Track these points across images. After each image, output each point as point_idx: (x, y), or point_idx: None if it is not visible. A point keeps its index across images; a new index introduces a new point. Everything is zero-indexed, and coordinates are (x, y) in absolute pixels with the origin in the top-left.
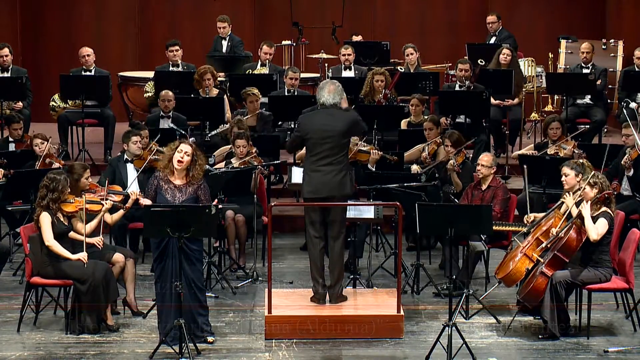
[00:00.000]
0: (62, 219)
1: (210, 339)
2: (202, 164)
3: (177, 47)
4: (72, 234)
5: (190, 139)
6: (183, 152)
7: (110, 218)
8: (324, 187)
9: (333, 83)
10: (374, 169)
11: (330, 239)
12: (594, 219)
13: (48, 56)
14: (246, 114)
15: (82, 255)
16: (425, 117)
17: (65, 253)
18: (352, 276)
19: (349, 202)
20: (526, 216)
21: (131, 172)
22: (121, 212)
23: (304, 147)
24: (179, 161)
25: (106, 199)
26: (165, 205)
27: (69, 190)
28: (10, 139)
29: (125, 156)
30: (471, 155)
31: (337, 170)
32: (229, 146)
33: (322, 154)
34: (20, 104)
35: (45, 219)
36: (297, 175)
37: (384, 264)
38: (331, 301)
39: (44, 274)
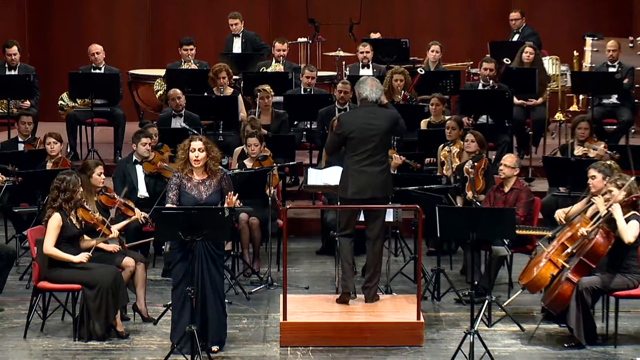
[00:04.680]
0: (74, 222)
1: (214, 347)
2: (217, 155)
3: (191, 47)
4: (85, 244)
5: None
6: (196, 149)
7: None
8: (369, 187)
9: (373, 79)
10: (394, 172)
11: (370, 240)
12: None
13: (56, 54)
14: (259, 112)
15: (84, 256)
16: (446, 117)
17: (66, 256)
18: None
19: (367, 205)
20: (558, 211)
21: (140, 174)
22: (121, 225)
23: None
24: (195, 160)
25: (116, 210)
26: (177, 208)
27: (81, 189)
28: (20, 139)
29: (134, 157)
30: (494, 157)
31: (380, 170)
32: (242, 147)
33: (366, 154)
34: (27, 102)
35: (54, 221)
36: (313, 176)
37: (403, 269)
38: (367, 300)
39: (51, 278)
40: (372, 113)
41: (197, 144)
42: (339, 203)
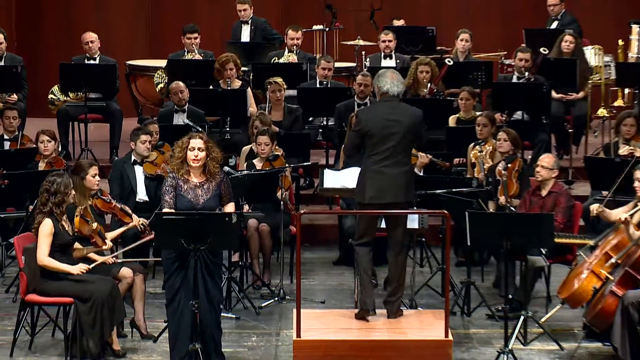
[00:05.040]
0: (67, 228)
1: None
2: (217, 156)
3: (196, 35)
4: (78, 252)
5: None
6: (196, 148)
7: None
8: (388, 191)
9: (393, 71)
10: (421, 174)
11: (392, 249)
12: None
13: (46, 42)
14: (269, 107)
15: (83, 267)
16: (477, 112)
17: (63, 267)
18: None
19: (389, 211)
20: (594, 207)
21: (140, 176)
22: (116, 233)
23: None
24: (194, 160)
25: (114, 214)
26: (178, 213)
27: (73, 192)
28: (5, 137)
29: (133, 157)
30: (530, 157)
31: (402, 172)
32: (250, 145)
33: (386, 153)
34: (14, 96)
35: (46, 227)
36: (329, 178)
37: (429, 281)
38: (389, 316)
39: (40, 291)
40: (393, 108)
41: (197, 142)
42: (357, 208)
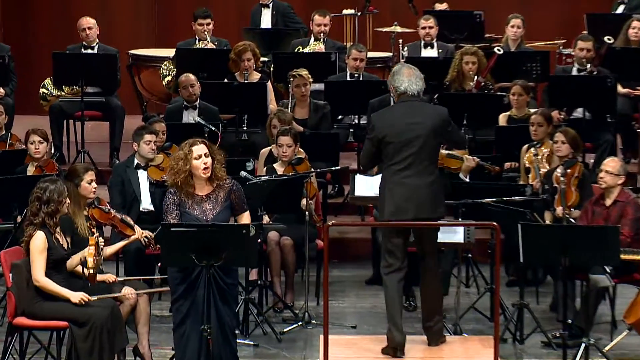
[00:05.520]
0: (61, 241)
1: None
2: (220, 157)
3: (208, 21)
4: (77, 269)
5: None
6: (202, 155)
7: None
8: (411, 205)
9: (409, 67)
10: (466, 179)
11: (426, 272)
12: None
13: (38, 29)
14: (293, 104)
15: (84, 296)
16: (531, 110)
17: (62, 291)
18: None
19: (430, 222)
20: None
21: (144, 182)
22: (116, 247)
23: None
24: (205, 169)
25: (114, 226)
26: (189, 225)
27: (68, 201)
28: None
29: (136, 160)
30: (592, 161)
31: (427, 182)
32: (270, 147)
33: (407, 162)
34: (1, 90)
35: (39, 242)
36: (361, 185)
37: (476, 303)
38: (430, 343)
39: (31, 313)
40: (412, 110)
41: (201, 149)
42: (382, 230)
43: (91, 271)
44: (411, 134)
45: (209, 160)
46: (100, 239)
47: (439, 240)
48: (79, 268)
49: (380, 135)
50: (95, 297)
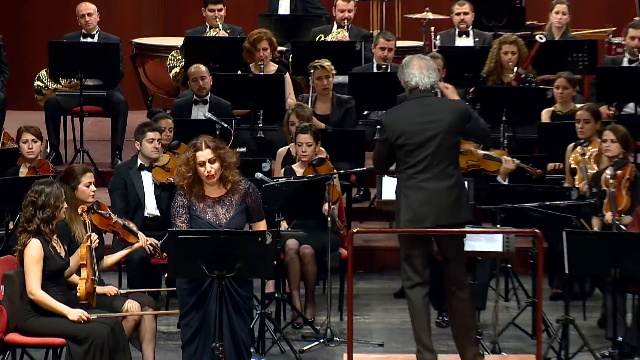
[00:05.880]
0: (58, 250)
1: None
2: (232, 160)
3: (220, 6)
4: (72, 278)
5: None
6: (206, 161)
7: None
8: (430, 212)
9: (420, 58)
10: (505, 182)
11: (452, 284)
12: None
13: (32, 16)
14: (313, 98)
15: (83, 314)
16: (577, 105)
17: (59, 307)
18: None
19: (465, 229)
20: None
21: (149, 185)
22: (118, 256)
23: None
24: (208, 176)
25: (115, 233)
26: (199, 231)
27: (66, 205)
28: None
29: (139, 160)
30: None
31: (447, 186)
32: (288, 146)
33: (423, 164)
34: None
35: (34, 251)
36: (389, 188)
37: (516, 319)
38: None
39: (24, 329)
40: (426, 106)
41: (205, 154)
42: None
43: (82, 300)
44: (426, 133)
45: (215, 167)
46: (94, 237)
47: (475, 249)
48: (76, 278)
49: (393, 137)
50: (95, 316)
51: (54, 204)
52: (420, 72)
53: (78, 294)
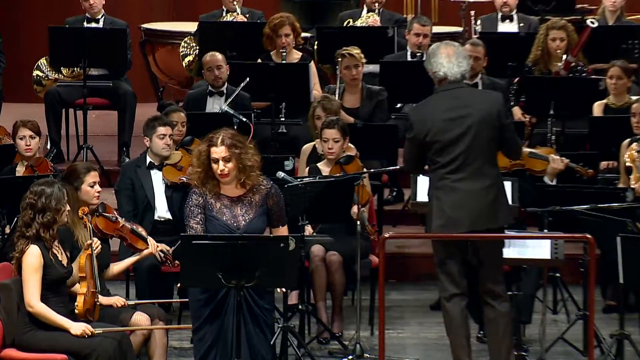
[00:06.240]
0: (60, 257)
1: None
2: (252, 163)
3: None
4: (75, 288)
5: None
6: (219, 158)
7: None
8: (464, 216)
9: (448, 45)
10: (552, 182)
11: (486, 296)
12: None
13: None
14: (341, 89)
15: (87, 328)
16: (633, 97)
17: (61, 321)
18: (516, 352)
19: (508, 234)
20: None
21: (159, 185)
22: (125, 264)
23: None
24: (221, 175)
25: (123, 238)
26: (215, 237)
27: (68, 208)
28: None
29: (149, 158)
30: None
31: (483, 186)
32: (313, 143)
33: (456, 163)
34: None
35: (33, 259)
36: (425, 188)
37: (566, 333)
38: None
39: (22, 344)
40: (456, 98)
41: (219, 151)
42: (433, 246)
43: (80, 318)
44: (458, 129)
45: (229, 166)
46: (96, 244)
47: (519, 257)
48: (79, 288)
49: (421, 134)
50: (100, 330)
51: (55, 207)
52: (448, 60)
53: (76, 311)
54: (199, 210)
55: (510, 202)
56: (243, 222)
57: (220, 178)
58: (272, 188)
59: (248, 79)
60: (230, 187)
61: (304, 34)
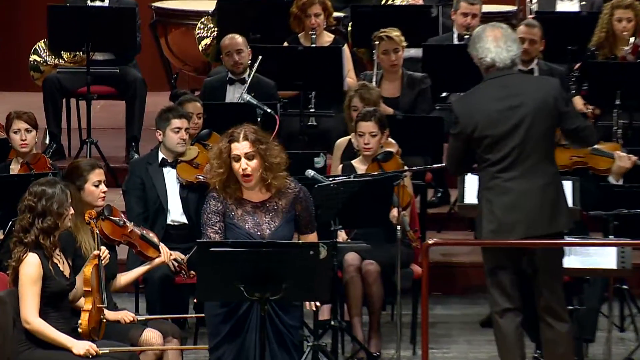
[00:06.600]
0: (61, 267)
1: None
2: (277, 160)
3: None
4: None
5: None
6: (241, 155)
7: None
8: (519, 220)
9: (494, 27)
10: (618, 182)
11: (544, 313)
12: None
13: None
14: (379, 76)
15: (91, 347)
16: None
17: (61, 339)
18: None
19: (569, 241)
20: None
21: (173, 185)
22: (134, 275)
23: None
24: (244, 175)
25: (132, 245)
26: (235, 243)
27: (72, 211)
28: None
29: (161, 155)
30: None
31: (540, 185)
32: (348, 137)
33: (508, 159)
34: None
35: (31, 269)
36: (475, 189)
37: (634, 352)
38: None
39: None
40: (506, 87)
41: (242, 147)
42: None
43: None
44: (509, 122)
45: (252, 164)
46: (104, 253)
47: (581, 266)
48: (83, 303)
49: (468, 129)
50: (106, 349)
51: (57, 211)
52: (496, 45)
53: (80, 330)
54: (218, 218)
55: (570, 204)
56: (268, 231)
57: (242, 181)
58: (300, 192)
59: (260, 57)
60: (253, 191)
61: (336, 14)
